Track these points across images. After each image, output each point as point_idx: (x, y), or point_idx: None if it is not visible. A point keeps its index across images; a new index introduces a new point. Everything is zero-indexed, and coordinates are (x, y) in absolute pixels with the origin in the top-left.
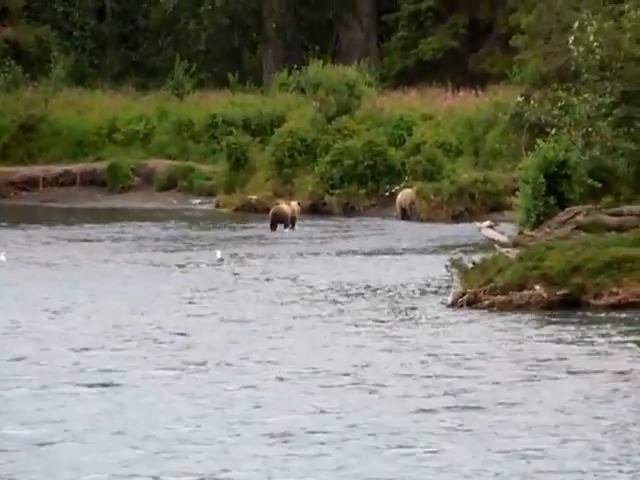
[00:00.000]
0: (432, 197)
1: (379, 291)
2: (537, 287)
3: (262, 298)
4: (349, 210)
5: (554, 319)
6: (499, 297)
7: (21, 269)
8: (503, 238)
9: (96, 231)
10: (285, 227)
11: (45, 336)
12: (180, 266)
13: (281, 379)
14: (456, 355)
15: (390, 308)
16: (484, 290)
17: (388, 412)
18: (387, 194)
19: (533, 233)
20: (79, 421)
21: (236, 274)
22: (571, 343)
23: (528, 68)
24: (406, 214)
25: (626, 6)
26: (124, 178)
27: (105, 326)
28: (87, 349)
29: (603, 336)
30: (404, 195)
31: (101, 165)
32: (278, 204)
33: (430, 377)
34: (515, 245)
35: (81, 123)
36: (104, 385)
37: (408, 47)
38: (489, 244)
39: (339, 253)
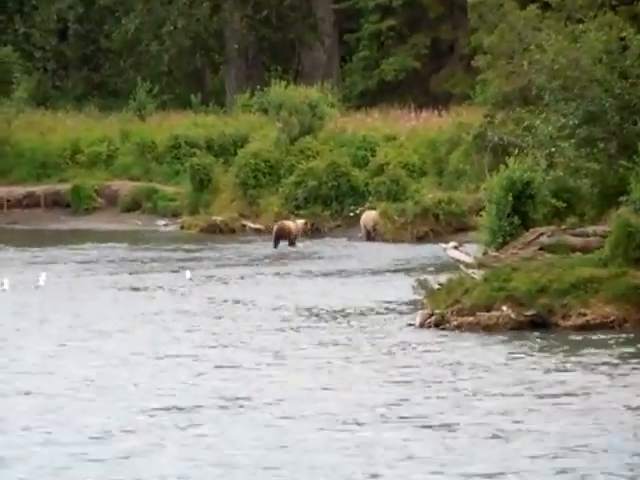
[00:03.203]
0: (396, 218)
1: (346, 314)
2: (504, 308)
3: (240, 324)
4: (314, 231)
5: (525, 341)
6: (467, 318)
7: None
8: (468, 259)
9: (62, 253)
10: (290, 244)
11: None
12: (155, 289)
13: (298, 420)
14: (442, 383)
15: (360, 332)
16: (451, 311)
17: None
18: (351, 215)
19: (498, 254)
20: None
21: (209, 297)
22: (549, 369)
23: (491, 88)
24: (371, 235)
25: (581, 26)
26: (88, 200)
27: (103, 360)
28: (100, 383)
29: (576, 359)
30: (368, 216)
31: (65, 187)
32: (282, 221)
33: (425, 406)
34: (480, 266)
35: (44, 145)
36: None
37: (370, 67)
38: (454, 265)
39: (306, 275)
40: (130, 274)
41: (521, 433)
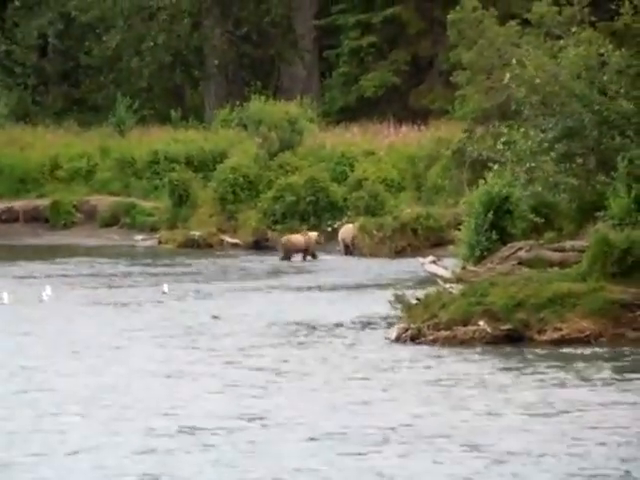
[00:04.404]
0: (375, 232)
1: (323, 328)
2: (481, 322)
3: (224, 341)
4: None
5: (499, 355)
6: (443, 332)
7: None
8: (446, 273)
9: (41, 268)
10: (303, 257)
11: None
12: (137, 304)
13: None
14: (415, 395)
15: (339, 347)
16: (428, 325)
17: None
18: (329, 230)
19: (476, 268)
20: None
21: (190, 312)
22: (517, 383)
23: (470, 104)
24: (349, 250)
25: (561, 42)
26: (67, 215)
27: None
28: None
29: (547, 373)
30: (347, 230)
31: (44, 202)
32: (289, 236)
33: (399, 421)
34: (458, 280)
35: (23, 160)
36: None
37: (349, 83)
38: (432, 279)
39: (284, 289)
40: (110, 289)
41: (517, 455)
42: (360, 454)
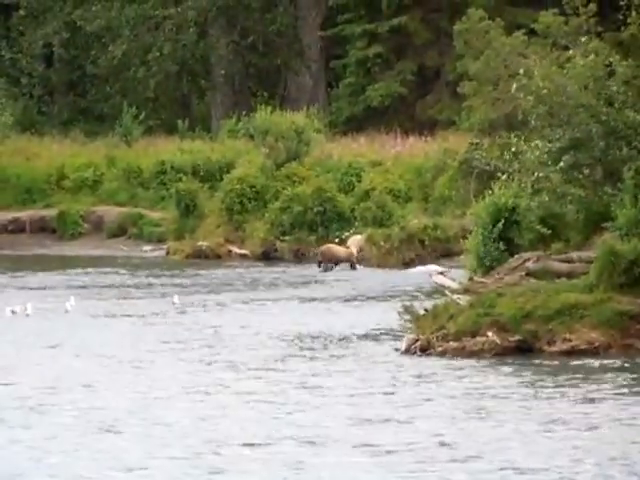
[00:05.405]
0: (382, 243)
1: (332, 339)
2: (490, 334)
3: (244, 352)
4: (300, 256)
5: (512, 367)
6: (452, 344)
7: None
8: (454, 284)
9: (53, 279)
10: (334, 267)
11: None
12: (151, 315)
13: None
14: (441, 410)
15: (349, 358)
16: (437, 337)
17: None
18: (337, 240)
19: (484, 280)
20: None
21: (207, 325)
22: (529, 395)
23: (476, 114)
24: (357, 260)
25: (570, 52)
26: (73, 225)
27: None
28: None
29: (565, 386)
30: (354, 241)
31: (50, 212)
32: (328, 245)
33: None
34: (466, 292)
35: (30, 170)
36: None
37: (356, 93)
38: (440, 290)
39: (291, 300)
40: (126, 299)
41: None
42: (410, 471)
